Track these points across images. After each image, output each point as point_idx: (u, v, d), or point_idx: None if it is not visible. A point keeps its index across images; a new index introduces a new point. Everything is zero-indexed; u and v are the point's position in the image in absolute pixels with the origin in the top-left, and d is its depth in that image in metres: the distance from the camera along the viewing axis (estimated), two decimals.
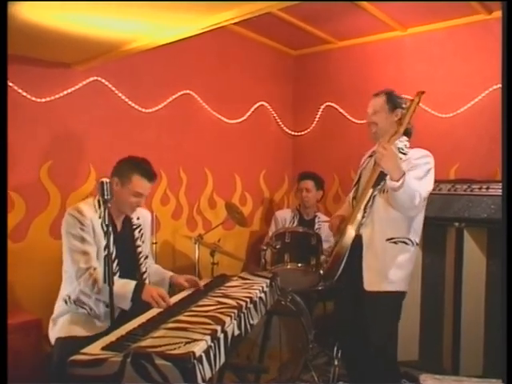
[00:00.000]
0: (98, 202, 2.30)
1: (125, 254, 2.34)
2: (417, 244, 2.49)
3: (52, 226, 3.03)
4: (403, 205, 2.29)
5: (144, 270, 2.44)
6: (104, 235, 2.17)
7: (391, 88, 2.60)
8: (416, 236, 2.48)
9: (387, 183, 2.26)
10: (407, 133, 2.50)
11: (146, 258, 2.50)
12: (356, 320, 2.52)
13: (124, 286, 2.16)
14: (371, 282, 2.42)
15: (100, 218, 2.25)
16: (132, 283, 2.19)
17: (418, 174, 2.33)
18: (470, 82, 3.74)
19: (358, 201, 2.49)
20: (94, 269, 2.17)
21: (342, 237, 2.44)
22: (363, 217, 2.42)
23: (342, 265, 2.48)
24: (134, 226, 2.46)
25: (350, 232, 2.41)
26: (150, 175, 2.32)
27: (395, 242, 2.41)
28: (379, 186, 2.40)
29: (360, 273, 2.43)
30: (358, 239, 2.44)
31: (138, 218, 2.49)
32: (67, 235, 2.24)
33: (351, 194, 2.67)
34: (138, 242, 2.45)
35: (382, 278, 2.41)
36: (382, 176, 2.36)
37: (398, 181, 2.19)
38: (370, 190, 2.41)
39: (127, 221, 2.45)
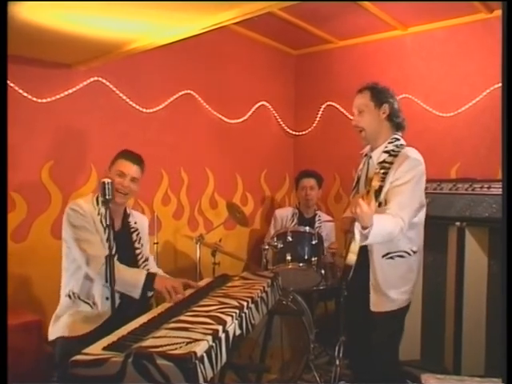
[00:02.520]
0: (97, 199, 2.35)
1: (123, 253, 2.37)
2: (414, 252, 2.35)
3: (53, 226, 3.03)
4: (378, 242, 2.18)
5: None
6: (104, 232, 2.26)
7: (375, 81, 2.45)
8: (413, 245, 2.33)
9: (355, 229, 2.10)
10: (399, 127, 2.40)
11: (146, 260, 2.53)
12: (364, 337, 2.44)
13: (135, 275, 2.23)
14: (375, 301, 2.33)
15: (99, 214, 2.31)
16: (143, 272, 2.26)
17: (400, 201, 2.18)
18: (471, 81, 3.73)
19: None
20: (105, 257, 2.19)
21: (348, 249, 2.38)
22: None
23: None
24: (132, 229, 2.51)
25: (350, 256, 2.22)
26: (133, 157, 2.41)
27: (391, 258, 2.29)
28: (378, 199, 2.24)
29: (367, 290, 2.36)
30: (364, 253, 2.34)
31: (135, 222, 2.54)
32: (71, 227, 2.27)
33: (351, 196, 2.60)
34: (136, 245, 2.50)
35: (385, 297, 2.31)
36: (379, 188, 2.24)
37: (365, 229, 2.04)
38: None
39: (126, 222, 2.49)
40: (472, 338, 3.16)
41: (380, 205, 2.25)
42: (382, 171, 2.27)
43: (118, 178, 2.36)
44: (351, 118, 2.52)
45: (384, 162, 2.32)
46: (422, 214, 2.37)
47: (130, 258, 2.43)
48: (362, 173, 2.52)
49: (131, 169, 2.39)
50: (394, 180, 2.22)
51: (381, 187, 2.25)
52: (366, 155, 2.54)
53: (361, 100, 2.42)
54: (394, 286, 2.32)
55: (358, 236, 2.11)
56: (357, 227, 2.10)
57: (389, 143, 2.37)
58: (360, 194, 2.08)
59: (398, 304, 2.34)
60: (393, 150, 2.33)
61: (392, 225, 2.12)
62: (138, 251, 2.49)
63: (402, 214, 2.15)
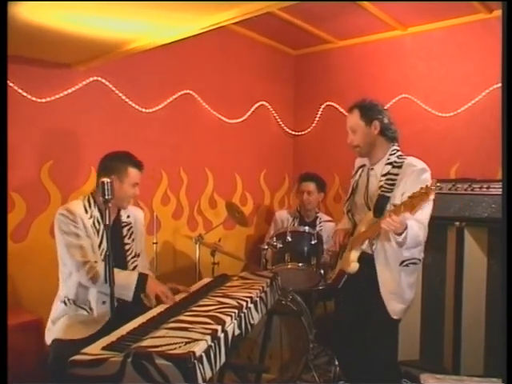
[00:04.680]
0: (88, 201, 2.34)
1: (114, 250, 2.35)
2: (422, 259, 2.46)
3: (53, 226, 3.00)
4: (411, 247, 2.25)
5: (132, 267, 2.46)
6: (97, 234, 2.28)
7: (364, 99, 2.48)
8: (421, 251, 2.43)
9: (391, 237, 2.21)
10: (393, 139, 2.43)
11: (135, 256, 2.51)
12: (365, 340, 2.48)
13: (127, 277, 2.22)
14: (396, 309, 2.39)
15: (91, 217, 2.30)
16: (135, 273, 2.26)
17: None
18: (471, 81, 3.73)
19: (360, 222, 2.46)
20: (95, 261, 2.21)
21: (345, 259, 2.41)
22: (370, 243, 2.37)
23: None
24: (123, 224, 2.49)
25: (354, 265, 2.34)
26: (140, 164, 2.43)
27: (407, 265, 2.37)
28: (386, 208, 2.31)
29: (370, 296, 2.40)
30: (369, 260, 2.39)
31: (128, 217, 2.52)
32: (61, 233, 2.27)
33: (346, 207, 2.62)
34: (126, 240, 2.48)
35: (404, 304, 2.40)
36: (383, 200, 2.32)
37: (400, 235, 2.13)
38: (371, 216, 2.36)
39: (117, 218, 2.48)
40: (471, 337, 3.16)
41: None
42: (389, 182, 2.33)
43: (132, 189, 2.40)
44: None
45: (389, 173, 2.36)
46: None
47: (119, 254, 2.40)
48: (359, 183, 2.55)
49: (139, 177, 2.43)
50: (406, 192, 2.25)
51: (388, 198, 2.30)
52: (362, 166, 2.57)
53: (352, 120, 2.47)
54: (411, 291, 2.42)
55: (395, 245, 2.19)
56: (392, 236, 2.18)
57: (390, 155, 2.40)
58: (390, 210, 2.14)
59: (408, 308, 2.45)
60: (395, 162, 2.37)
61: (417, 228, 2.20)
62: (127, 247, 2.47)
63: (422, 220, 2.24)
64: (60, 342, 2.22)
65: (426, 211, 2.26)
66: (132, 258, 2.48)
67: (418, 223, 2.20)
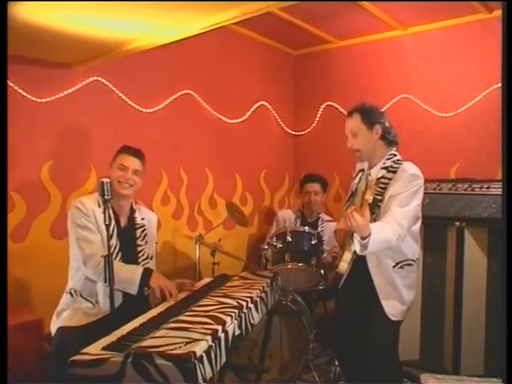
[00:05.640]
0: None
1: (126, 250, 2.40)
2: (417, 259, 2.45)
3: (53, 226, 3.03)
4: (378, 251, 2.22)
5: None
6: (111, 230, 2.26)
7: (363, 103, 2.46)
8: (415, 252, 2.42)
9: (355, 238, 2.16)
10: (393, 143, 2.43)
11: (148, 258, 2.52)
12: (365, 341, 2.46)
13: (132, 271, 2.24)
14: (395, 311, 2.38)
15: (103, 212, 2.29)
16: (140, 268, 2.27)
17: (400, 201, 2.23)
18: (471, 81, 3.74)
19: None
20: (102, 256, 2.20)
21: (341, 258, 2.40)
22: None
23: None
24: (137, 226, 2.52)
25: (342, 265, 2.30)
26: (132, 150, 2.47)
27: (401, 267, 2.36)
28: (375, 212, 2.30)
29: (374, 295, 2.38)
30: (363, 263, 2.38)
31: (142, 219, 2.55)
32: (73, 225, 2.30)
33: (345, 208, 2.57)
34: (139, 242, 2.50)
35: (403, 305, 2.39)
36: (376, 201, 2.31)
37: (364, 239, 2.10)
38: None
39: (132, 218, 2.51)
40: (471, 337, 3.16)
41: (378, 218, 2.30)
42: (381, 186, 2.32)
43: (120, 171, 2.40)
44: None
45: (383, 177, 2.36)
46: (419, 225, 2.42)
47: (132, 255, 2.43)
48: (359, 187, 2.55)
49: (132, 162, 2.43)
50: (393, 192, 2.27)
51: (378, 201, 2.30)
52: (362, 170, 2.57)
53: (352, 124, 2.44)
54: (409, 292, 2.41)
55: (358, 247, 2.16)
56: (356, 238, 2.15)
57: (387, 159, 2.40)
58: (353, 207, 2.15)
59: (408, 308, 2.44)
60: (391, 166, 2.37)
61: (390, 232, 2.17)
62: (139, 248, 2.49)
63: (401, 221, 2.20)
64: (63, 329, 2.24)
65: (407, 211, 2.23)
66: (144, 259, 2.50)
67: (389, 224, 2.17)
